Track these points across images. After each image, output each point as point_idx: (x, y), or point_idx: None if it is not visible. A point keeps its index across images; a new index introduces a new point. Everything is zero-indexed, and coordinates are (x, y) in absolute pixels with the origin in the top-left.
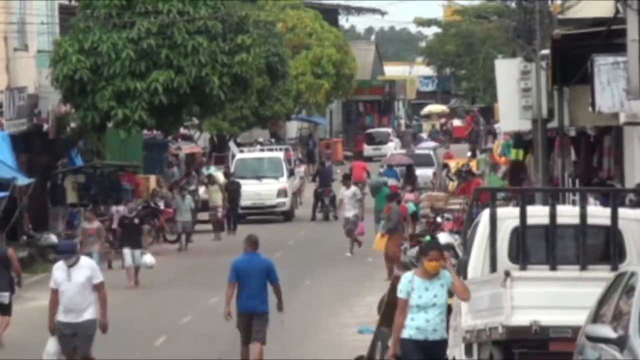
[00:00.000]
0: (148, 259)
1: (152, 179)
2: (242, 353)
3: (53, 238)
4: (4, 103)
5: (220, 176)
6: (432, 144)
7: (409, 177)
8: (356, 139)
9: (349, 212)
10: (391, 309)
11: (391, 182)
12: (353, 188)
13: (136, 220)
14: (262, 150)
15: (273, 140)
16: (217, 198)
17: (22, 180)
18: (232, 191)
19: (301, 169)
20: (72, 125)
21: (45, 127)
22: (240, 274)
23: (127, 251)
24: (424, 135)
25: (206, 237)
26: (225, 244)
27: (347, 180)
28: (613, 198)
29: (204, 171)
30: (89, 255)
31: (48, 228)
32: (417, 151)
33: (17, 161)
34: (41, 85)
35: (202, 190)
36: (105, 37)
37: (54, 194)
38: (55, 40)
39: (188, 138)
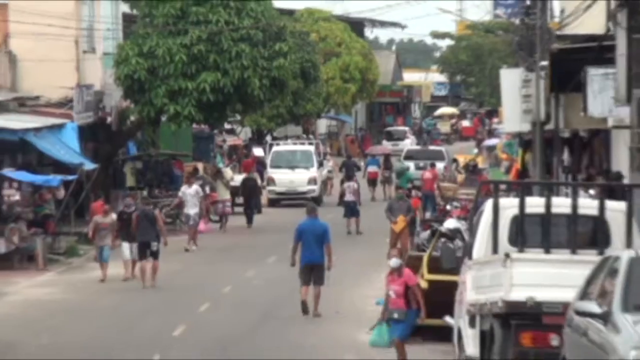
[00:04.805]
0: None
1: (200, 166)
2: (302, 292)
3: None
4: (74, 98)
5: (228, 172)
6: (496, 140)
7: (386, 164)
8: (346, 139)
9: (192, 210)
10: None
11: (372, 168)
12: (195, 186)
13: (134, 215)
14: (295, 143)
15: (305, 135)
16: (224, 192)
17: (88, 166)
18: (248, 187)
19: (330, 163)
20: (132, 118)
21: (109, 119)
22: (302, 235)
23: (125, 245)
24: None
25: (241, 220)
26: (248, 231)
27: (190, 177)
28: (601, 192)
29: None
30: (102, 249)
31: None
32: (430, 147)
33: (84, 149)
34: (106, 83)
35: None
36: (162, 42)
37: (115, 178)
38: (118, 45)
39: (231, 132)
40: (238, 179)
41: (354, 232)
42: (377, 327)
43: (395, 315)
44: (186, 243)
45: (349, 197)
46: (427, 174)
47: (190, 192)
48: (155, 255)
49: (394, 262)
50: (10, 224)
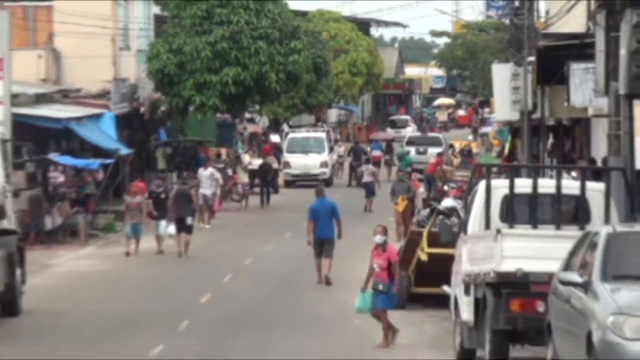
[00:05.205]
0: (172, 229)
1: (223, 151)
2: (316, 264)
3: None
4: (111, 90)
5: (246, 158)
6: (488, 128)
7: (388, 148)
8: (354, 127)
9: (207, 190)
10: (407, 256)
11: (376, 152)
12: (210, 169)
13: (162, 195)
14: (308, 131)
15: (318, 123)
16: (243, 176)
17: (124, 151)
18: (264, 171)
19: (341, 149)
20: (162, 108)
21: (142, 109)
22: (314, 213)
23: (155, 222)
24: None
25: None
26: (267, 209)
27: (207, 162)
28: (582, 174)
29: (239, 151)
30: (133, 226)
31: None
32: (429, 134)
33: (120, 136)
34: (139, 77)
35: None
36: (189, 40)
37: (148, 162)
38: (150, 42)
39: (251, 120)
40: (256, 163)
41: (367, 209)
42: (361, 295)
43: (380, 287)
44: (204, 222)
45: (367, 179)
46: (432, 160)
47: (205, 174)
48: (189, 229)
49: (379, 238)
50: (57, 202)
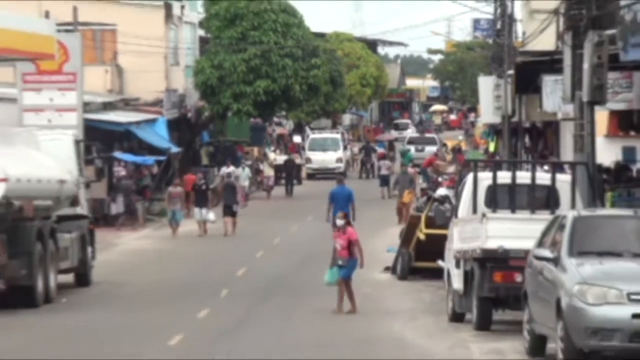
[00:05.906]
0: (211, 215)
1: (256, 149)
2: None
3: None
4: (164, 99)
5: (271, 155)
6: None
7: (390, 146)
8: (364, 129)
9: None
10: (408, 236)
11: (380, 150)
12: (232, 167)
13: (204, 187)
14: (326, 132)
15: (339, 126)
16: (268, 170)
17: (174, 149)
18: (288, 166)
19: (355, 148)
20: (206, 114)
21: (189, 115)
22: (334, 198)
23: (197, 210)
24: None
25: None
26: (291, 197)
27: (227, 160)
28: (552, 167)
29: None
30: (174, 212)
31: None
32: (426, 135)
33: (171, 137)
34: (187, 88)
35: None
36: (228, 57)
37: (194, 159)
38: (195, 59)
39: (279, 124)
40: (281, 159)
41: (385, 197)
42: (329, 270)
43: (340, 262)
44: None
45: (384, 172)
46: (428, 157)
47: (227, 171)
48: (234, 214)
49: (339, 222)
50: (123, 192)
